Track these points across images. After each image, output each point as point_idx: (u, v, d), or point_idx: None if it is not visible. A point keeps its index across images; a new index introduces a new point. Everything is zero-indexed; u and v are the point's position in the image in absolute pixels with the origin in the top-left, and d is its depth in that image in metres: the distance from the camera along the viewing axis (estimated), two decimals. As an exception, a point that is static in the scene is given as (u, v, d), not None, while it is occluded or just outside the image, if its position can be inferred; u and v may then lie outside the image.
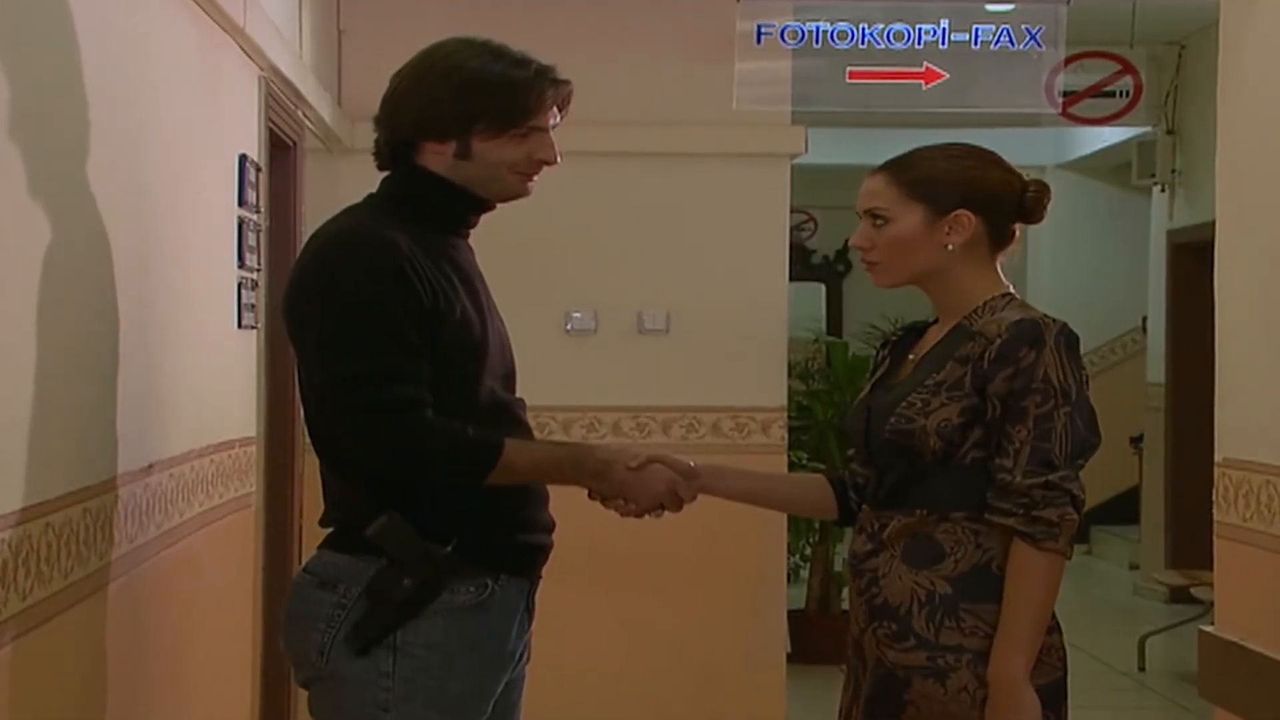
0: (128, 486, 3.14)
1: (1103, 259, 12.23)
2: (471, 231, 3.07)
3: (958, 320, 2.95)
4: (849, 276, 13.80)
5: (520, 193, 3.01)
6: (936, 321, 3.02)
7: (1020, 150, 11.75)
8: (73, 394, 2.85)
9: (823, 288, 12.73)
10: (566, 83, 3.00)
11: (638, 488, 2.97)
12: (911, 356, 3.01)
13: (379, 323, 2.80)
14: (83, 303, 2.91)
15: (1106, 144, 10.64)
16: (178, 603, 3.63)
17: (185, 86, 3.83)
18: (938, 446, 2.85)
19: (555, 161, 3.00)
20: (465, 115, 2.91)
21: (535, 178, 3.01)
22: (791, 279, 11.01)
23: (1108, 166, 11.53)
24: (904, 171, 3.01)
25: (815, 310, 11.04)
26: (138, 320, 3.21)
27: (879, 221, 2.98)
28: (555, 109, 3.00)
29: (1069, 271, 12.31)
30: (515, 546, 2.97)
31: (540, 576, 3.05)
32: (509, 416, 2.99)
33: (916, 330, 3.07)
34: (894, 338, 3.11)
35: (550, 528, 3.05)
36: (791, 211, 9.96)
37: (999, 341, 2.83)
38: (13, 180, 2.54)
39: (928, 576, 2.86)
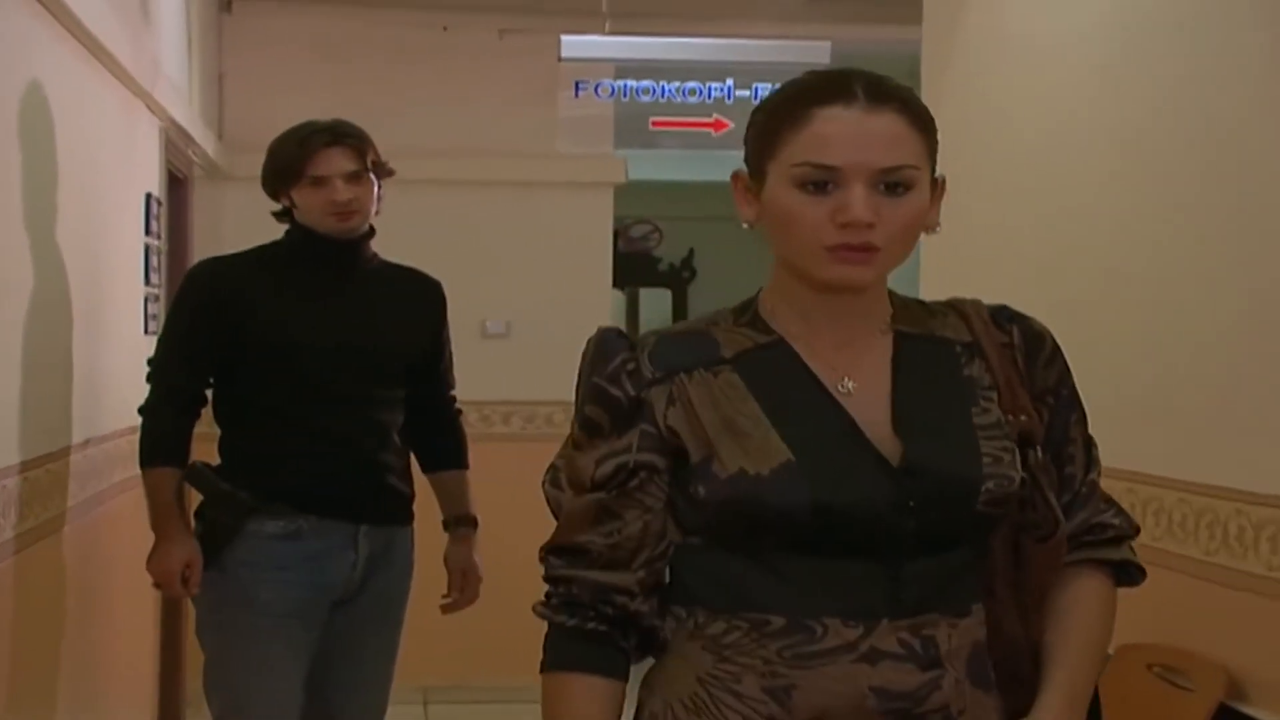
0: (74, 455, 4.04)
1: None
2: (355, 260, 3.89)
3: (883, 330, 1.95)
4: (693, 283, 14.55)
5: (337, 229, 3.80)
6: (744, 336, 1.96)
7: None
8: (44, 381, 3.71)
9: (669, 293, 13.40)
10: (332, 140, 3.72)
11: (156, 562, 3.78)
12: (844, 388, 1.90)
13: (169, 328, 3.88)
14: (52, 309, 3.77)
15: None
16: (106, 548, 4.49)
17: (111, 142, 4.68)
18: (1013, 509, 1.93)
19: (338, 200, 3.72)
20: (267, 179, 3.86)
21: (347, 216, 3.77)
22: (641, 285, 11.69)
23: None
24: (918, 113, 1.89)
25: (664, 314, 11.55)
26: (84, 327, 4.08)
27: (899, 188, 1.84)
28: (342, 160, 3.74)
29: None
30: (291, 492, 3.72)
31: (376, 524, 3.80)
32: (321, 408, 3.76)
33: (707, 352, 1.96)
34: (673, 370, 1.97)
35: (343, 485, 3.73)
36: (639, 222, 10.84)
37: (1029, 329, 1.99)
38: (13, 229, 3.44)
39: (996, 695, 1.92)
